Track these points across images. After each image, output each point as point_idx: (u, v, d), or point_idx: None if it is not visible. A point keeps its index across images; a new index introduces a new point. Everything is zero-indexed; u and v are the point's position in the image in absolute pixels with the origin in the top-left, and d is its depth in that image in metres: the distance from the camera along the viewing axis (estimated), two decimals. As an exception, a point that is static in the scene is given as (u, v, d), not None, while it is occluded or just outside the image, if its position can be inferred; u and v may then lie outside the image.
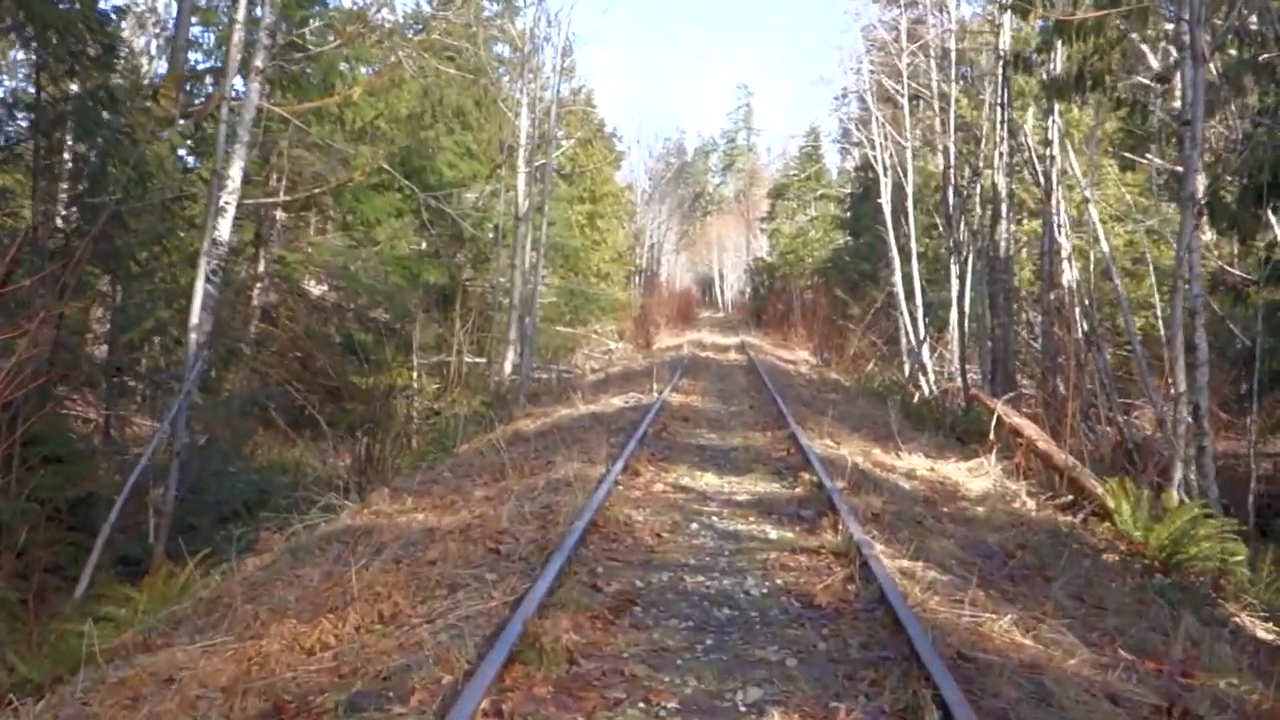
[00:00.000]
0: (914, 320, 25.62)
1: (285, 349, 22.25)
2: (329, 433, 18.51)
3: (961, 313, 21.41)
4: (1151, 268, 19.42)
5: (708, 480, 9.14)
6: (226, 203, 14.02)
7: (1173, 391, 11.02)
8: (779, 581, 5.96)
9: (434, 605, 5.56)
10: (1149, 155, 19.57)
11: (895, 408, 15.25)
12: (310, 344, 22.40)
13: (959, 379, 24.20)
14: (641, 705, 4.19)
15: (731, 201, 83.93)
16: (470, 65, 31.23)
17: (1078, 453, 11.23)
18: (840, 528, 6.90)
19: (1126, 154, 19.82)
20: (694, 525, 7.33)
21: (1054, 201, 17.50)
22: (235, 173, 14.21)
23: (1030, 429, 11.26)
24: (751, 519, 7.61)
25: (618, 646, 4.83)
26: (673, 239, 75.24)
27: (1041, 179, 17.48)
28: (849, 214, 40.31)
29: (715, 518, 7.65)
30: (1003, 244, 18.51)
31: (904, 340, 26.84)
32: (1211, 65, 14.45)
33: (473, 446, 14.55)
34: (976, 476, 10.89)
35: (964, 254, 20.38)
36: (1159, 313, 18.71)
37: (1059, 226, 17.78)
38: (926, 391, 23.66)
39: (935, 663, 4.40)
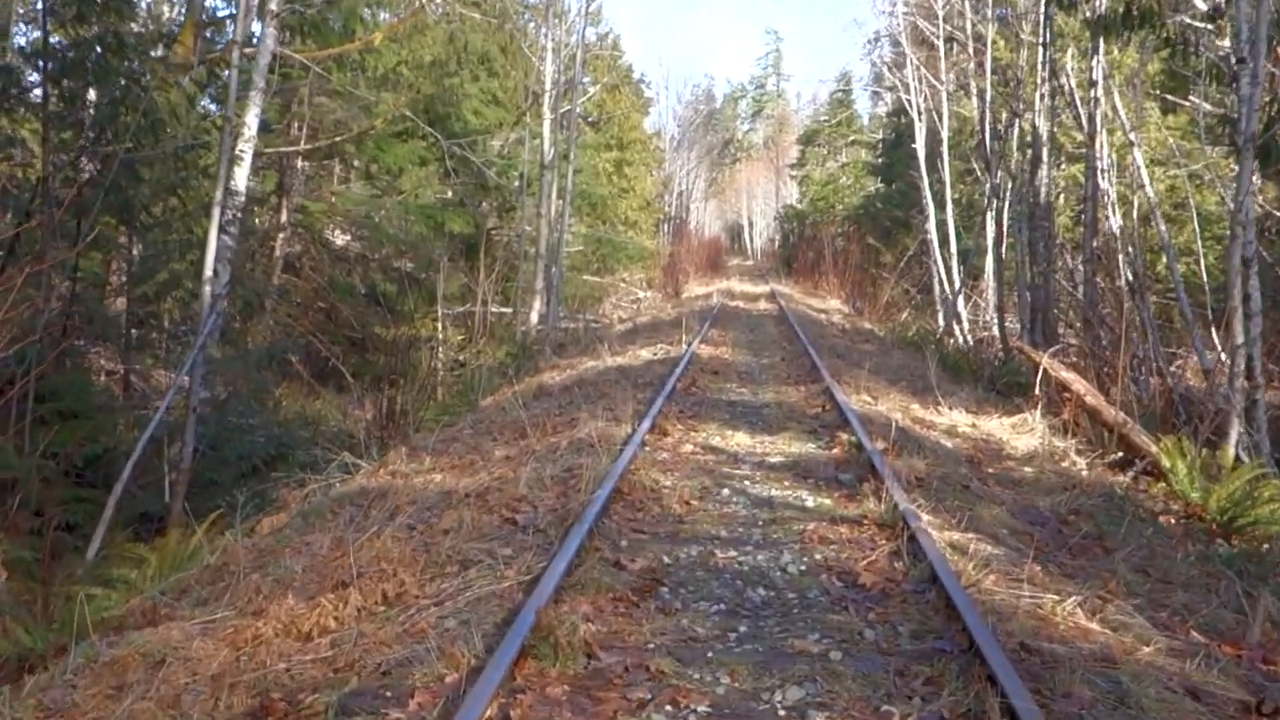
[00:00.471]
0: (948, 268, 24.90)
1: (309, 300, 21.88)
2: (353, 385, 18.21)
3: (998, 260, 20.69)
4: (1194, 213, 18.67)
5: (739, 440, 8.61)
6: (242, 151, 13.55)
7: (1231, 343, 10.39)
8: (818, 557, 5.44)
9: (443, 585, 5.09)
10: (1193, 98, 18.77)
11: (933, 360, 14.64)
12: (334, 295, 22.01)
13: (994, 329, 23.55)
14: (669, 709, 3.69)
15: (760, 148, 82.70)
16: (495, 10, 30.55)
17: (1127, 408, 10.62)
18: (883, 495, 6.36)
19: (1169, 96, 19.00)
20: (725, 491, 6.82)
21: (1097, 145, 16.72)
22: (251, 120, 13.73)
23: (1078, 383, 10.66)
24: (787, 484, 7.09)
25: (642, 636, 4.33)
26: (701, 186, 74.23)
27: (1085, 122, 16.69)
28: (881, 160, 39.40)
29: (748, 482, 7.13)
30: (1043, 189, 17.75)
31: (937, 289, 26.13)
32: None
33: (496, 400, 14.11)
34: (1021, 434, 10.32)
35: (1001, 199, 19.59)
36: (1201, 260, 17.99)
37: (1102, 171, 17.02)
38: (961, 341, 23.02)
39: (998, 658, 3.89)
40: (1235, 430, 10.24)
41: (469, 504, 6.82)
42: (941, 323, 25.19)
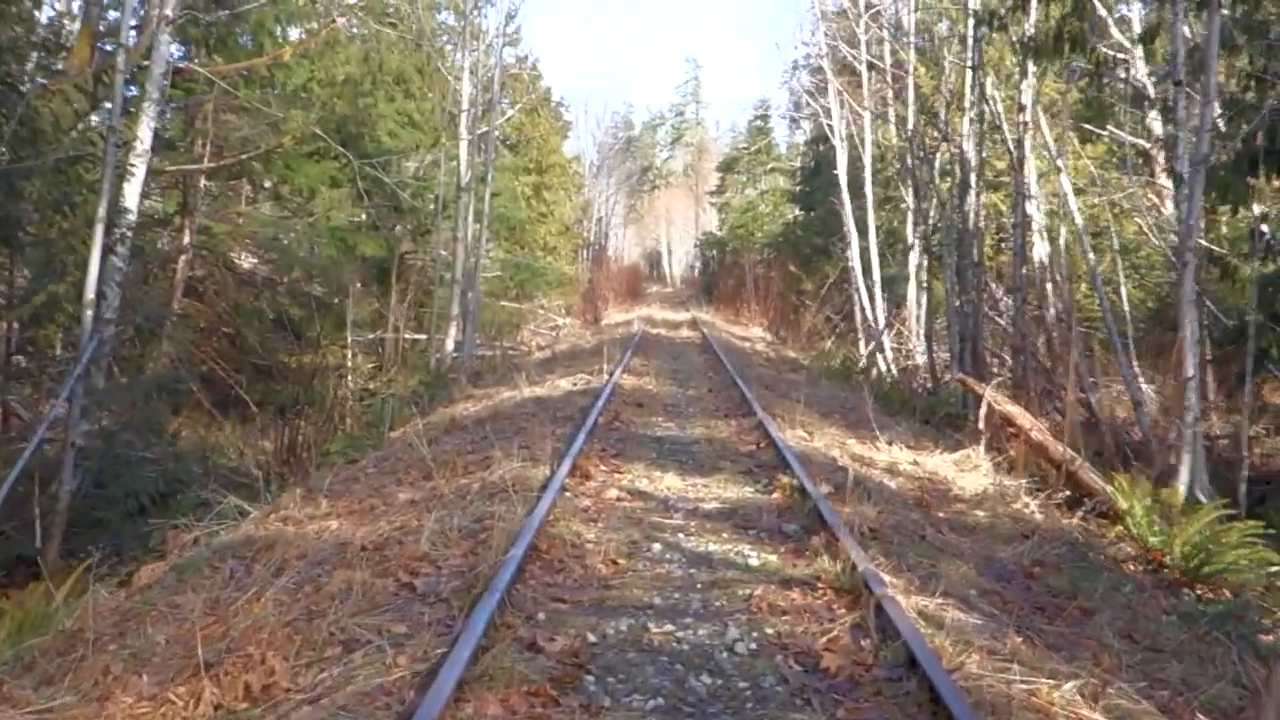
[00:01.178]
0: (871, 296, 24.37)
1: (212, 325, 20.65)
2: (257, 415, 17.08)
3: (926, 288, 20.17)
4: (1115, 241, 18.35)
5: (669, 483, 7.74)
6: (134, 166, 12.48)
7: (1182, 376, 9.82)
8: (770, 631, 4.59)
9: (320, 674, 4.15)
10: (1110, 128, 18.48)
11: (869, 393, 13.97)
12: (239, 320, 20.78)
13: (918, 357, 23.05)
14: None
15: (680, 176, 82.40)
16: (413, 31, 29.57)
17: (1074, 444, 9.99)
18: (836, 551, 5.55)
19: (1086, 125, 18.68)
20: (656, 546, 5.95)
21: (1026, 172, 16.26)
22: (144, 133, 12.65)
23: (1024, 418, 10.00)
24: (726, 536, 6.24)
25: (563, 750, 3.46)
26: (621, 212, 73.60)
27: (1013, 147, 16.21)
28: (801, 188, 39.01)
29: (681, 534, 6.27)
30: (971, 215, 17.26)
31: (859, 316, 25.64)
32: (1188, 27, 13.33)
33: (405, 433, 13.13)
34: (966, 471, 9.61)
35: (928, 225, 19.04)
36: (1123, 289, 17.61)
37: (1030, 198, 16.57)
38: (884, 369, 22.53)
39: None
40: (1186, 468, 9.66)
41: (364, 560, 5.89)
42: (864, 350, 24.68)
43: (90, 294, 11.22)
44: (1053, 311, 17.24)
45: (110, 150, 11.49)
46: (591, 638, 4.45)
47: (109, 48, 17.70)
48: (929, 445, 10.88)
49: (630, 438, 9.75)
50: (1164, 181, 16.82)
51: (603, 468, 8.11)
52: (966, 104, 17.81)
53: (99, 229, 11.27)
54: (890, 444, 10.37)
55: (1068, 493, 9.26)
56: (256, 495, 10.39)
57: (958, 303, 17.29)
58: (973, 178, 17.44)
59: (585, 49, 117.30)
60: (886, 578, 5.20)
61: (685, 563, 5.65)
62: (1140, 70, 17.60)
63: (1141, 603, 6.06)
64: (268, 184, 23.24)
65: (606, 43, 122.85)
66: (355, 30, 29.94)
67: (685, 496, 7.31)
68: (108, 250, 11.94)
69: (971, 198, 17.43)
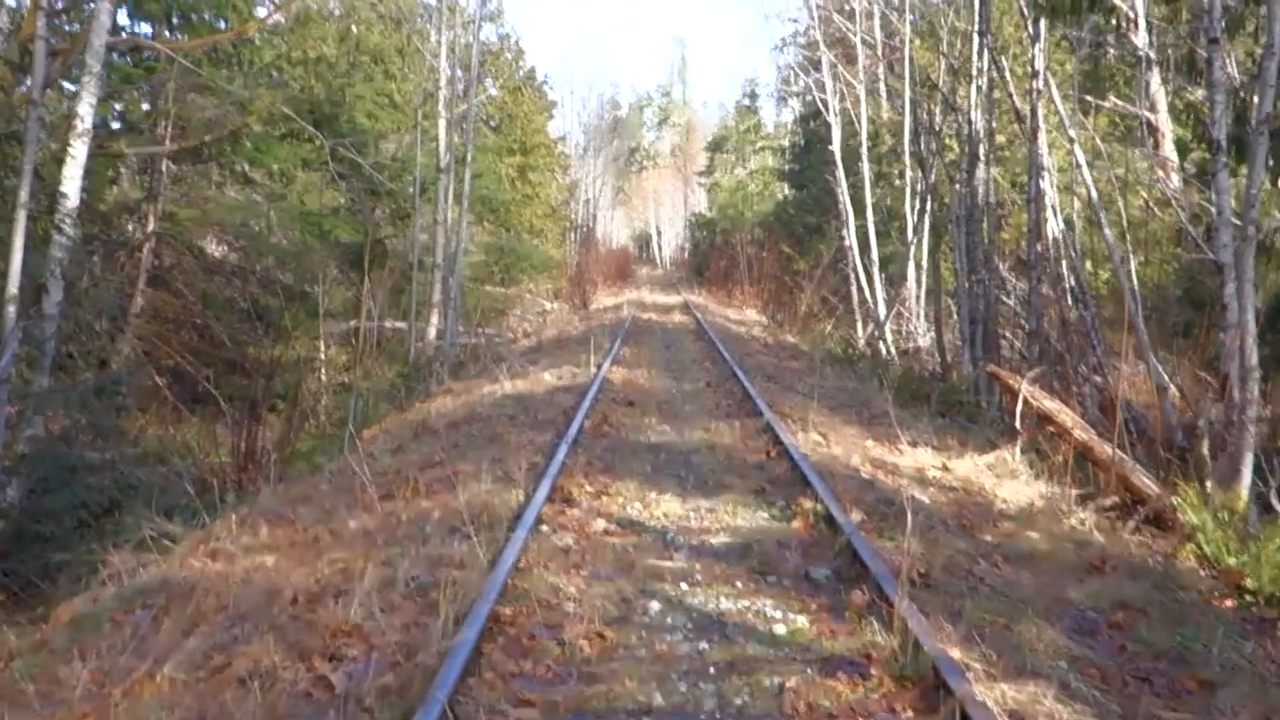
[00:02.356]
0: (869, 276, 23.00)
1: (180, 316, 19.28)
2: (227, 410, 15.85)
3: (934, 268, 18.83)
4: (1124, 217, 17.07)
5: (667, 509, 6.39)
6: (74, 148, 11.13)
7: (1243, 366, 8.51)
8: (815, 754, 3.28)
9: None
10: (1111, 97, 17.18)
11: (883, 384, 12.65)
12: (208, 311, 19.41)
13: (919, 339, 21.74)
14: None
15: (668, 156, 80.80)
16: (393, 13, 28.13)
17: (1122, 443, 8.70)
18: (887, 615, 4.24)
19: (1087, 96, 17.34)
20: (654, 606, 4.62)
21: (1040, 142, 14.91)
22: (85, 111, 11.29)
23: (1065, 415, 8.69)
24: (740, 586, 4.92)
25: None
26: (609, 194, 72.02)
27: (1026, 116, 14.85)
28: (792, 166, 37.57)
29: (685, 584, 4.94)
30: (980, 189, 15.95)
31: (856, 297, 24.32)
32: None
33: (376, 433, 11.84)
34: (1002, 478, 8.31)
35: (934, 200, 17.65)
36: (1131, 268, 16.31)
37: (1044, 171, 15.21)
38: (885, 354, 21.25)
39: None
40: (1247, 469, 8.37)
41: (286, 626, 4.59)
42: (862, 332, 23.39)
43: (12, 288, 9.90)
44: (1068, 291, 15.92)
45: (31, 127, 10.13)
46: (568, 772, 3.13)
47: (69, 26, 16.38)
48: (954, 444, 9.57)
49: (620, 446, 8.40)
50: (1169, 153, 15.57)
51: (588, 488, 6.77)
52: (973, 71, 16.46)
53: (21, 215, 9.93)
54: (914, 445, 9.07)
55: (1115, 498, 8.00)
56: (212, 506, 9.13)
57: (967, 283, 15.96)
58: (981, 149, 16.11)
59: (569, 29, 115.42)
60: (956, 654, 3.89)
61: (692, 631, 4.32)
62: (1142, 35, 16.38)
63: (1266, 668, 4.74)
64: (237, 167, 21.80)
65: (590, 21, 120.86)
66: (332, 8, 28.51)
67: (687, 527, 5.97)
68: (42, 239, 10.68)
69: (980, 171, 16.12)
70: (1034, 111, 14.81)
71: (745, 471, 7.43)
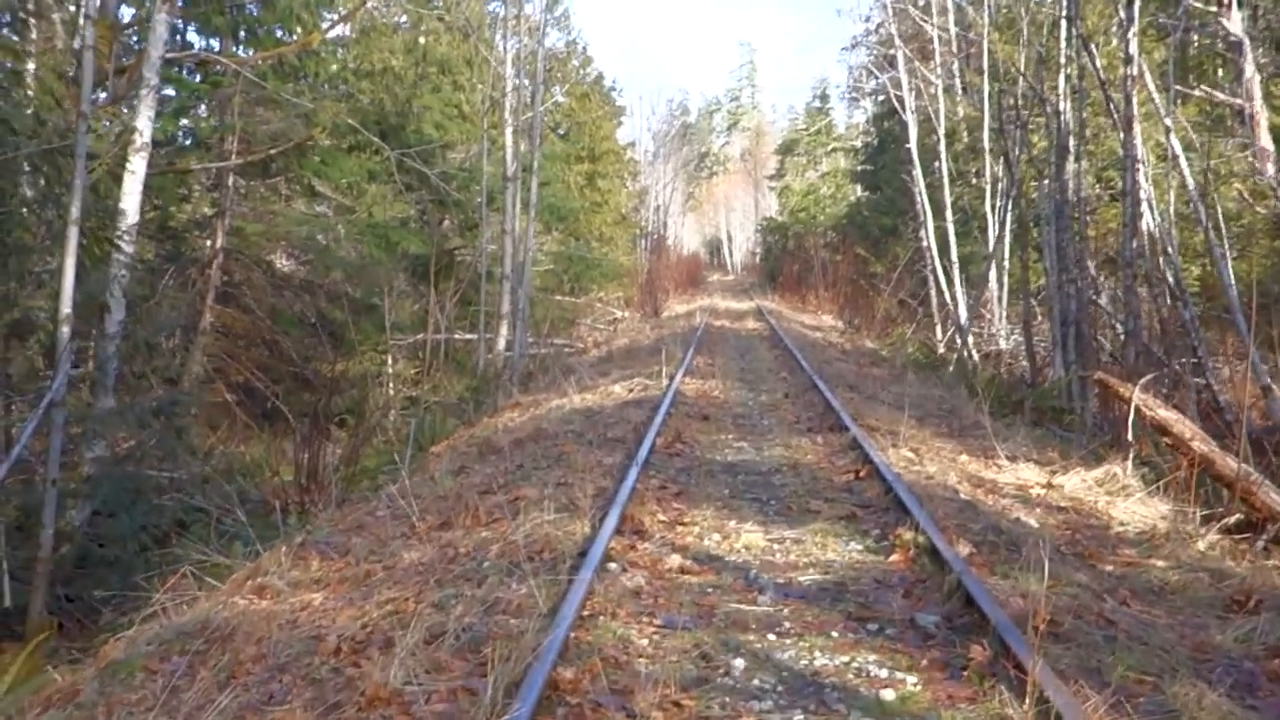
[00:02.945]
0: (949, 278, 22.09)
1: (250, 333, 19.05)
2: (296, 426, 15.57)
3: (1022, 267, 17.88)
4: (1219, 210, 16.09)
5: (749, 540, 5.73)
6: (133, 164, 10.80)
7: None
8: None
9: None
10: (1202, 87, 16.18)
11: (979, 394, 11.86)
12: (277, 327, 19.15)
13: (1001, 341, 20.83)
14: None
15: (737, 161, 79.88)
16: (460, 24, 27.78)
17: (1246, 455, 7.88)
18: (1016, 679, 3.56)
19: (1177, 86, 16.38)
20: (738, 664, 3.97)
21: (1135, 132, 14.00)
22: (143, 125, 10.95)
23: (1182, 425, 7.90)
24: (836, 637, 4.25)
25: None
26: (679, 200, 71.31)
27: (1122, 104, 13.94)
28: (865, 167, 36.62)
29: (772, 635, 4.29)
30: (1071, 184, 15.06)
31: (935, 300, 23.43)
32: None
33: (443, 449, 11.39)
34: (1114, 495, 7.53)
35: (1022, 196, 16.69)
36: (1227, 263, 15.29)
37: (1140, 162, 14.27)
38: (968, 357, 20.38)
39: None
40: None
41: (324, 679, 4.08)
42: (941, 336, 22.52)
43: (65, 308, 9.53)
44: (1167, 289, 14.96)
45: (80, 140, 9.76)
46: None
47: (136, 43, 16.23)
48: (1055, 458, 8.79)
49: (695, 466, 7.76)
50: (1265, 143, 14.56)
51: (661, 517, 6.14)
52: (1062, 59, 15.58)
53: (73, 231, 9.56)
54: (1013, 460, 8.33)
55: (1238, 515, 7.20)
56: (274, 528, 8.72)
57: (1059, 283, 15.06)
58: (1071, 142, 15.23)
59: (636, 35, 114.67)
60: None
61: (784, 697, 3.67)
62: (1236, 19, 15.46)
63: None
64: (304, 181, 21.56)
65: (657, 27, 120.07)
66: (400, 20, 28.24)
67: (772, 562, 5.31)
68: (100, 257, 10.35)
69: (1070, 165, 15.24)
70: (1128, 99, 13.92)
71: (833, 494, 6.75)
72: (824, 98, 51.57)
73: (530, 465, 8.02)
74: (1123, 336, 15.62)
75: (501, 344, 20.73)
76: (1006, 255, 21.89)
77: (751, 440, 8.82)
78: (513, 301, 20.53)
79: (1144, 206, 14.88)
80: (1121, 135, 14.06)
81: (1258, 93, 14.68)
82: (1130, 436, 8.13)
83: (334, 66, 21.07)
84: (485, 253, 20.75)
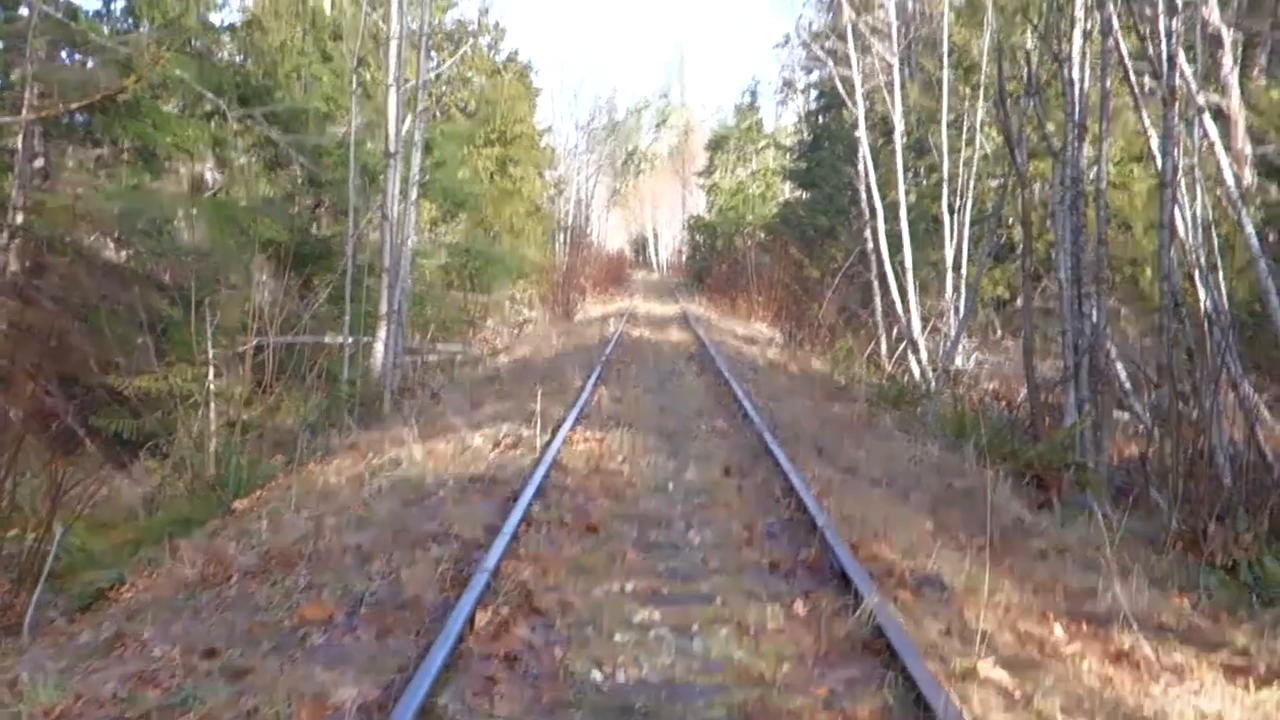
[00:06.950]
0: (901, 285, 18.16)
1: (44, 333, 14.37)
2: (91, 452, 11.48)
3: (957, 271, 13.84)
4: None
5: None
6: None
7: None
8: None
9: None
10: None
11: (990, 460, 7.85)
12: (77, 325, 14.54)
13: (959, 360, 17.08)
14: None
15: (665, 159, 75.74)
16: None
17: None
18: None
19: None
20: None
21: (1177, 105, 10.08)
22: None
23: None
24: None
25: None
26: (603, 195, 66.92)
27: (1164, 66, 9.99)
28: (799, 164, 32.73)
29: None
30: (1092, 170, 11.25)
31: (880, 308, 19.64)
32: None
33: (246, 507, 7.24)
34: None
35: (1027, 187, 12.55)
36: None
37: (1177, 144, 10.33)
38: (918, 376, 16.69)
39: None
40: None
41: None
42: (885, 349, 18.75)
43: None
44: (1203, 311, 11.04)
45: None
46: None
47: None
48: (1186, 607, 4.81)
49: (569, 634, 3.56)
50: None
51: None
52: (1076, 11, 11.65)
53: None
54: (1143, 629, 4.30)
55: None
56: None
57: (1073, 297, 11.11)
58: (1085, 118, 11.40)
59: (565, 33, 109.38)
60: None
61: None
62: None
63: None
64: (139, 147, 16.89)
65: (586, 24, 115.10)
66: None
67: None
68: None
69: (1087, 145, 11.45)
70: (1171, 60, 10.08)
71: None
72: (754, 95, 47.82)
73: (308, 588, 3.80)
74: (1144, 373, 11.77)
75: (379, 349, 16.28)
76: (965, 261, 18.21)
77: (669, 602, 4.49)
78: (389, 300, 16.11)
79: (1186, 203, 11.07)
80: (1163, 110, 10.07)
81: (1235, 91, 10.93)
82: None
83: (174, 9, 16.46)
84: (353, 239, 16.24)
